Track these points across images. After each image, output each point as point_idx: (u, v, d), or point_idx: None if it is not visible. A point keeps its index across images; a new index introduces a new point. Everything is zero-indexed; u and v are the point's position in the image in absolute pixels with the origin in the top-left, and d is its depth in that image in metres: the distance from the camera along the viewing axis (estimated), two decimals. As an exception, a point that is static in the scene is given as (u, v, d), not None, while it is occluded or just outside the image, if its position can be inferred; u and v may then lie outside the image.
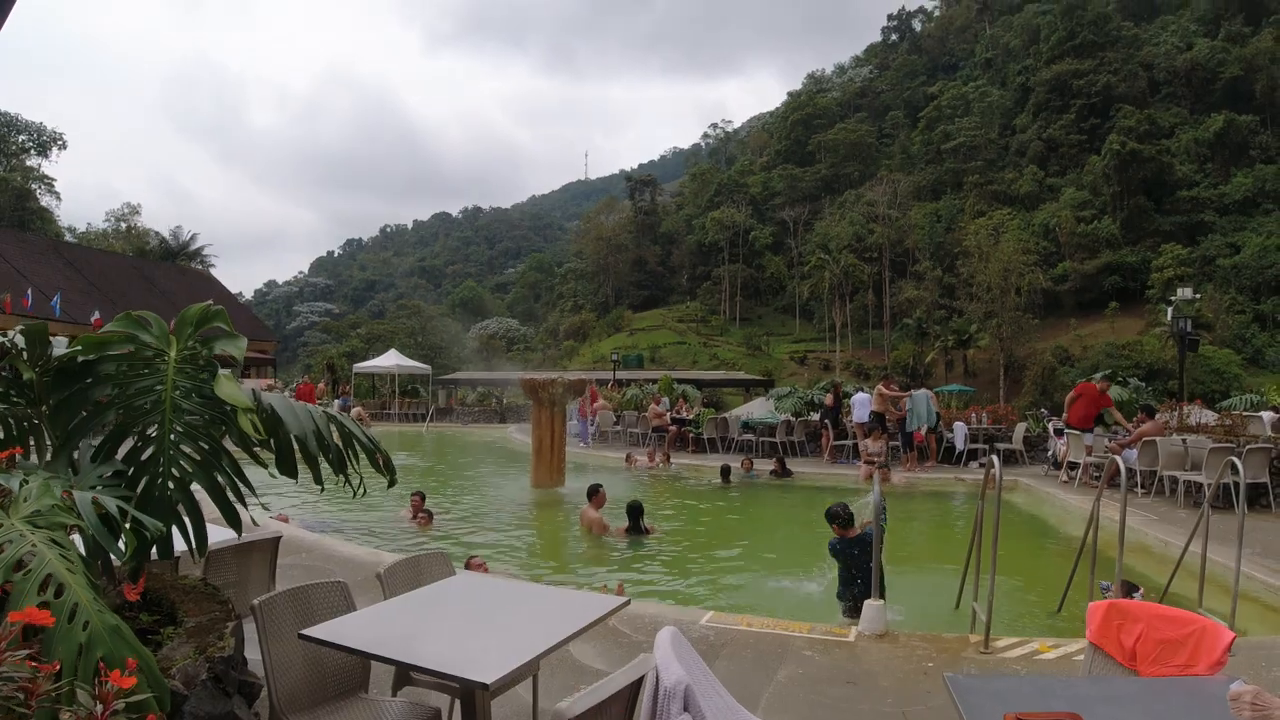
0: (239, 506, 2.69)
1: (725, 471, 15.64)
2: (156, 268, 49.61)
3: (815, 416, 19.66)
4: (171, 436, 2.58)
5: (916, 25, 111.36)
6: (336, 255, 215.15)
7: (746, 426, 19.71)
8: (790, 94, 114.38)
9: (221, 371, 2.60)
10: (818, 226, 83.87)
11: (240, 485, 2.64)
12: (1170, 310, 25.64)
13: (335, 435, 2.81)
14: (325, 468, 2.89)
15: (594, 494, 10.92)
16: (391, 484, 3.12)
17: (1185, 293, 25.63)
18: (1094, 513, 6.86)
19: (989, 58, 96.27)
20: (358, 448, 2.92)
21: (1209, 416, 16.72)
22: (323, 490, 2.96)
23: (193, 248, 61.74)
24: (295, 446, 2.71)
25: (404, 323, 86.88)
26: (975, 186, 77.91)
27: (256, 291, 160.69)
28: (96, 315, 31.69)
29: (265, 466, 2.73)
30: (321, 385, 31.12)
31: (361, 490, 2.96)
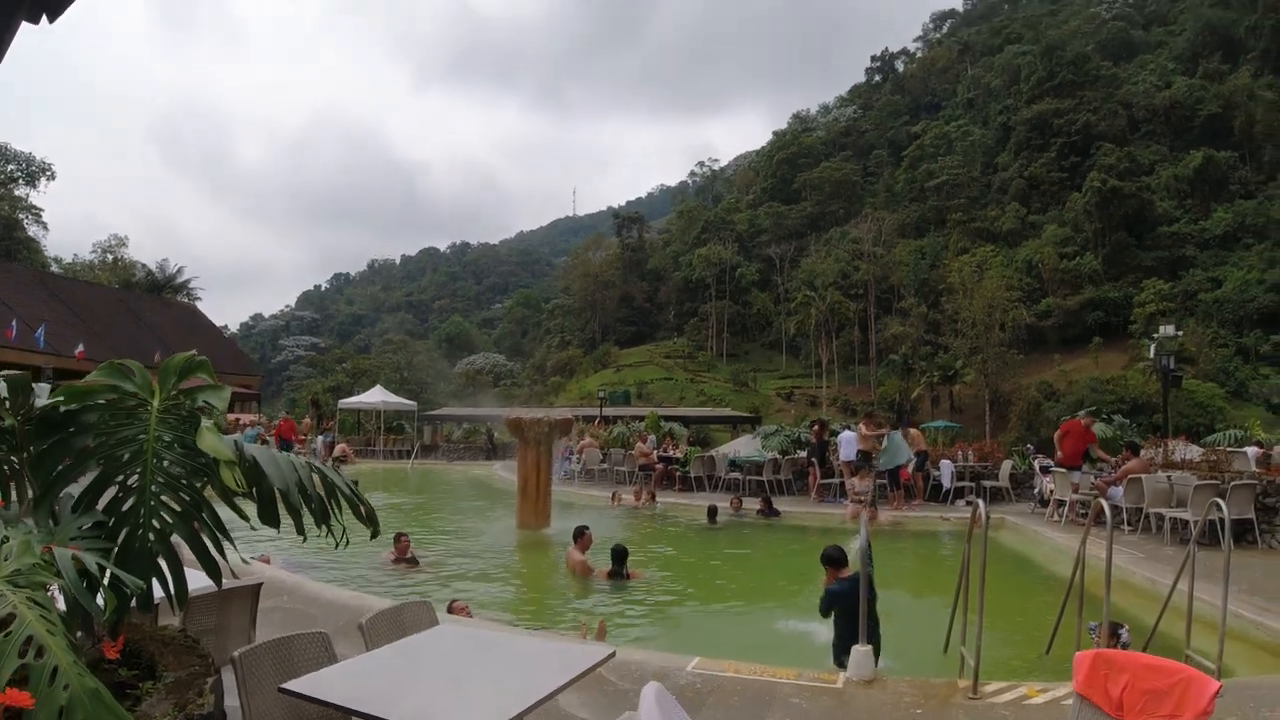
0: (219, 558, 2.68)
1: (712, 512, 15.56)
2: (142, 300, 49.39)
3: (802, 454, 19.67)
4: (153, 487, 2.57)
5: (899, 66, 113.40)
6: (324, 289, 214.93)
7: (733, 465, 19.68)
8: (776, 133, 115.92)
9: (204, 423, 2.59)
10: (804, 263, 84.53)
11: (221, 538, 2.62)
12: (1153, 347, 25.89)
13: (318, 486, 2.80)
14: (308, 517, 2.88)
15: (579, 536, 10.84)
16: (374, 535, 3.11)
17: (1168, 329, 25.90)
18: (1080, 554, 6.88)
19: (970, 98, 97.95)
20: (341, 499, 2.91)
21: (1194, 452, 16.81)
22: (304, 541, 2.95)
23: (179, 280, 61.59)
24: (278, 498, 2.70)
25: (390, 358, 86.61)
26: (959, 224, 78.87)
27: (242, 325, 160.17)
28: (80, 348, 31.47)
29: (246, 520, 2.71)
30: (306, 421, 30.96)
31: (344, 541, 2.95)
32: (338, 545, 2.93)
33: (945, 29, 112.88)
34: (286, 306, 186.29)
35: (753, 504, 16.37)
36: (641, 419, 30.27)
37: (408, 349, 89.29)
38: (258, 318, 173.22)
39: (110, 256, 65.21)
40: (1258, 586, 8.64)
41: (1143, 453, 14.89)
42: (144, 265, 63.50)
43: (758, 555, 13.43)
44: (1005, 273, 64.58)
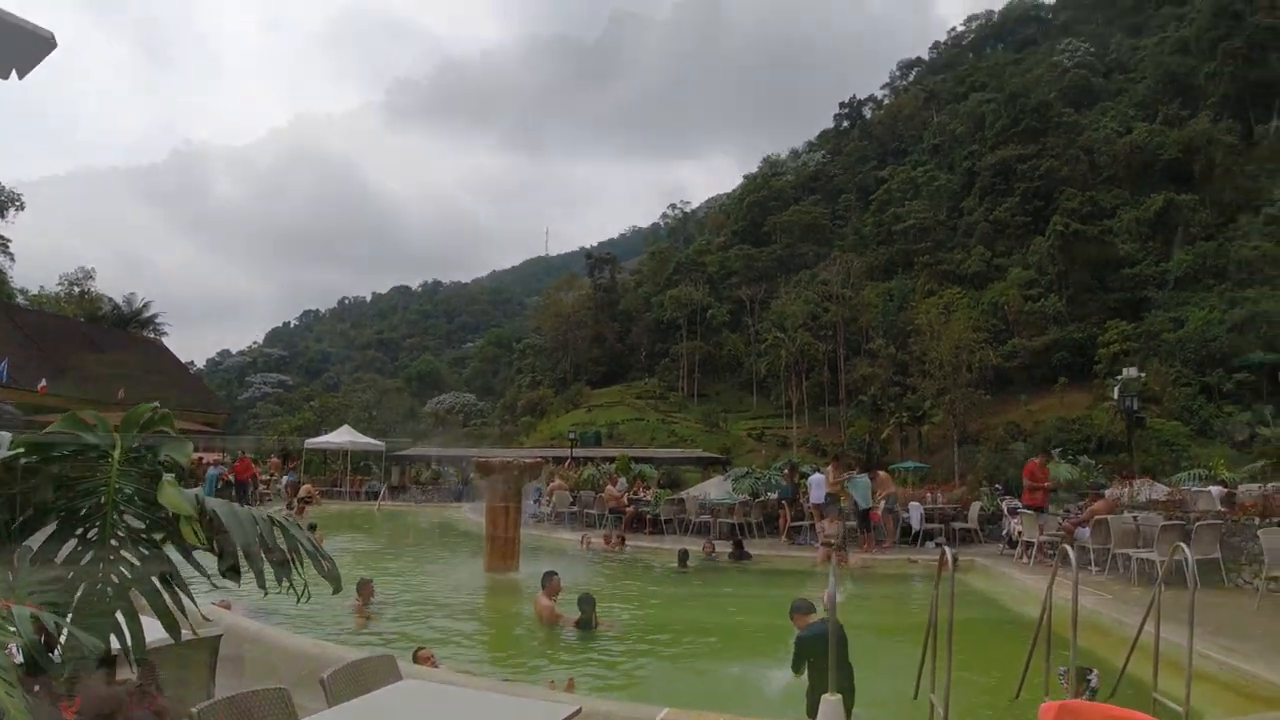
0: (178, 613, 2.64)
1: (683, 556, 15.45)
2: (107, 334, 48.66)
3: (773, 496, 19.68)
4: (112, 541, 2.54)
5: (867, 113, 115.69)
6: (293, 326, 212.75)
7: (704, 507, 19.62)
8: (747, 176, 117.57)
9: (166, 477, 2.57)
10: (774, 305, 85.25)
11: (180, 594, 2.59)
12: (1117, 388, 26.31)
13: (280, 541, 2.78)
14: (270, 570, 2.85)
15: (547, 582, 10.72)
16: (336, 591, 3.08)
17: (1131, 371, 26.41)
18: (1047, 598, 6.92)
19: (936, 144, 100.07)
20: (303, 554, 2.89)
21: (1160, 491, 17.06)
22: (265, 595, 2.92)
23: (145, 315, 60.75)
24: (239, 553, 2.68)
25: (359, 396, 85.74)
26: (926, 266, 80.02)
27: (209, 361, 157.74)
28: (43, 383, 30.84)
29: (207, 576, 2.69)
30: (274, 460, 30.25)
31: (305, 596, 2.91)
32: (299, 600, 2.90)
33: (911, 77, 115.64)
34: (255, 343, 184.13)
35: (724, 547, 16.32)
36: (612, 460, 30.15)
37: (377, 387, 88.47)
38: (225, 354, 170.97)
39: (77, 289, 64.24)
40: (1224, 627, 8.72)
41: (1108, 493, 15.09)
42: (110, 299, 62.62)
43: (729, 601, 13.34)
44: (972, 314, 65.58)
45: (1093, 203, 75.52)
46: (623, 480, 22.85)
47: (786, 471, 19.30)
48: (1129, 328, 63.64)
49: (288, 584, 2.81)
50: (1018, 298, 70.68)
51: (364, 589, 11.03)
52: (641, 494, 21.12)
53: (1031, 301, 70.51)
